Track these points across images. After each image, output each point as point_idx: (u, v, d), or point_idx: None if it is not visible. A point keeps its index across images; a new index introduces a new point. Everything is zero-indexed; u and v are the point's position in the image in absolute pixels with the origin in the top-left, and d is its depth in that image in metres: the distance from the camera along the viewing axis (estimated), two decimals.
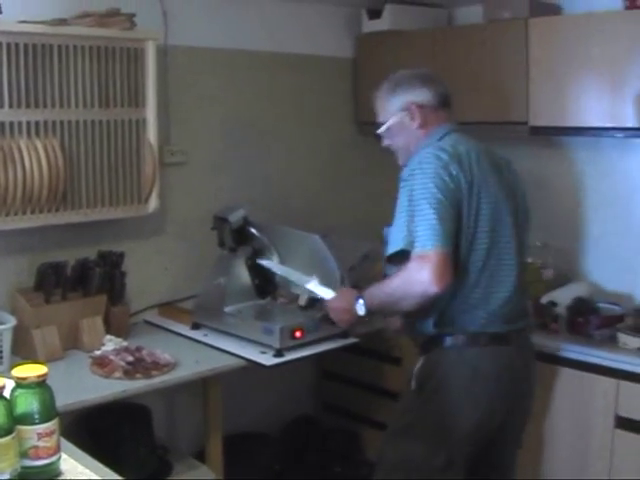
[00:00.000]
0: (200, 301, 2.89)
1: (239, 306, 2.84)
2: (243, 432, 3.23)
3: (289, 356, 2.59)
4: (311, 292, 2.62)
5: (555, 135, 3.13)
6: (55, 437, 1.31)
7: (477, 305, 2.16)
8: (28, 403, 1.28)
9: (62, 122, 2.52)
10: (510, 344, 2.20)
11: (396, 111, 2.27)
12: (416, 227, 2.05)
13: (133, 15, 2.61)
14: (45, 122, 2.48)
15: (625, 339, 2.68)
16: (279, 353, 2.57)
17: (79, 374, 2.42)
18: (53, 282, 2.57)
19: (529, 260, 3.02)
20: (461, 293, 2.14)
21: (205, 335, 2.79)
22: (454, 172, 2.08)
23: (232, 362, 2.58)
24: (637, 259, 3.03)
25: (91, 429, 2.58)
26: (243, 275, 2.88)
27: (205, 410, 2.78)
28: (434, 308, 2.14)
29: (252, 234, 2.84)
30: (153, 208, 2.81)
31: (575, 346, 2.74)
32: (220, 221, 2.83)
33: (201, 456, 2.86)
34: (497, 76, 3.05)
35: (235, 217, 2.81)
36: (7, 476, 1.22)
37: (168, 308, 3.04)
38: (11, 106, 2.39)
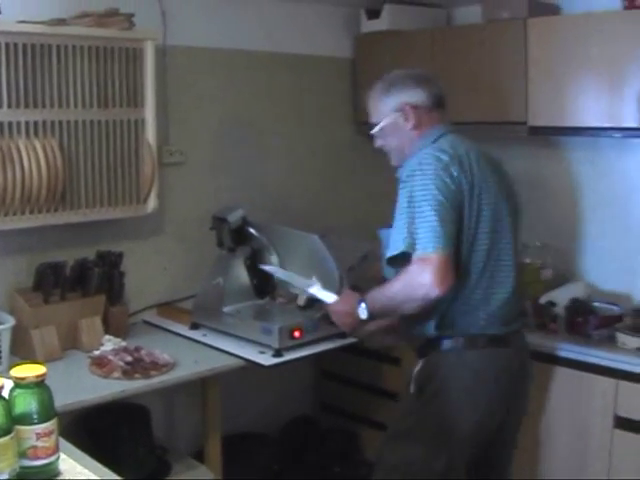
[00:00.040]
0: (199, 301, 2.88)
1: (238, 306, 2.84)
2: (242, 432, 3.23)
3: (288, 356, 2.59)
4: (314, 296, 2.61)
5: (554, 135, 3.13)
6: (54, 437, 1.31)
7: (478, 306, 2.16)
8: (27, 403, 1.28)
9: (61, 122, 2.52)
10: (508, 346, 2.20)
11: (390, 112, 2.26)
12: (417, 229, 2.03)
13: (132, 15, 2.61)
14: (44, 122, 2.47)
15: (624, 339, 2.68)
16: (278, 353, 2.57)
17: (78, 374, 2.42)
18: (52, 282, 2.57)
19: (528, 260, 3.03)
20: (462, 294, 2.14)
21: (204, 335, 2.79)
22: (455, 173, 2.07)
23: (231, 362, 2.58)
24: (636, 259, 3.03)
25: (90, 429, 2.59)
26: (242, 275, 2.88)
27: (204, 410, 2.78)
28: (435, 310, 2.14)
29: (251, 234, 2.84)
30: (152, 208, 2.81)
31: (574, 346, 2.74)
32: (219, 221, 2.83)
33: (200, 456, 2.86)
34: (496, 76, 3.04)
35: (234, 217, 2.81)
36: (6, 476, 1.22)
37: (167, 308, 3.03)
38: (10, 106, 2.39)
